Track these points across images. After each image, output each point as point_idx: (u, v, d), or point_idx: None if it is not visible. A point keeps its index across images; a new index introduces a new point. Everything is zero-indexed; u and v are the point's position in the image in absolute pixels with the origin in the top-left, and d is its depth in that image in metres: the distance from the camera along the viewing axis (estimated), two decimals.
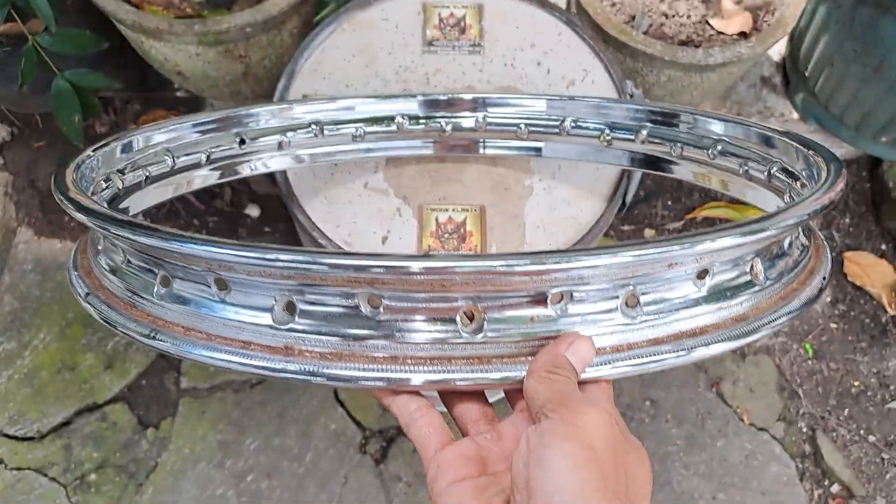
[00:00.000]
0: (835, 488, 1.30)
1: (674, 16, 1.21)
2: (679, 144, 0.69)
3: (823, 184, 0.48)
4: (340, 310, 0.41)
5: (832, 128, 1.38)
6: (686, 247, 0.39)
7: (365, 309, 0.40)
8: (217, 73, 1.16)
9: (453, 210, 0.82)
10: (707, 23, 1.21)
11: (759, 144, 0.63)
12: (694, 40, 1.19)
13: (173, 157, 0.68)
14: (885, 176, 1.48)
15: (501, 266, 0.37)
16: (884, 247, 1.51)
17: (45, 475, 1.21)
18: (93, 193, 0.59)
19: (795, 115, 1.44)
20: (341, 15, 0.90)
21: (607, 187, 0.83)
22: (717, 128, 0.66)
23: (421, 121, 0.80)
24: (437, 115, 0.80)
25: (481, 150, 0.83)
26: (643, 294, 0.42)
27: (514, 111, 0.78)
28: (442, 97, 0.78)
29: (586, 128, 0.75)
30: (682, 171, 0.70)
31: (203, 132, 0.70)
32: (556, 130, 0.77)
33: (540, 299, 0.40)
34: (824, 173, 0.51)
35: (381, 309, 0.40)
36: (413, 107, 0.78)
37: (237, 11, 1.12)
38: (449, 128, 0.80)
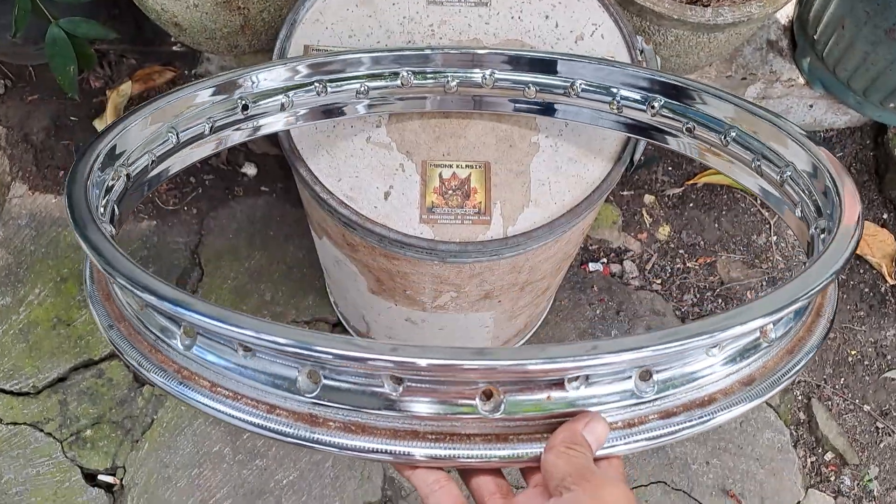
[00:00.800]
0: (828, 456, 1.31)
1: None
2: (691, 122, 0.68)
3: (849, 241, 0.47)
4: (362, 386, 0.41)
5: (838, 93, 1.36)
6: (708, 336, 0.39)
7: (387, 387, 0.41)
8: (215, 24, 1.13)
9: (457, 166, 0.81)
10: None
11: (775, 143, 0.62)
12: (703, 1, 1.16)
13: (177, 134, 0.66)
14: (891, 144, 1.47)
15: (509, 365, 0.37)
16: (885, 216, 1.50)
17: (41, 430, 1.20)
18: (106, 193, 0.57)
19: (801, 80, 1.42)
20: None
21: (615, 146, 0.81)
22: (732, 113, 0.64)
23: (428, 76, 0.78)
24: (444, 70, 0.78)
25: (486, 108, 0.81)
26: (657, 372, 0.42)
27: (523, 70, 0.77)
28: (452, 50, 0.76)
29: (596, 92, 0.74)
30: (689, 148, 0.69)
31: (204, 101, 0.68)
32: (564, 92, 0.76)
33: (557, 382, 0.41)
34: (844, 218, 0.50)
35: (402, 389, 0.41)
36: (420, 61, 0.76)
37: None
38: (455, 83, 0.78)
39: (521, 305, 1.05)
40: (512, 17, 0.87)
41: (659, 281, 1.41)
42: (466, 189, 0.80)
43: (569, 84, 0.76)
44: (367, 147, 0.81)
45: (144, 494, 1.17)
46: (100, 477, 1.19)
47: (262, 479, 1.19)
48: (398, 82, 0.78)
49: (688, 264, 1.43)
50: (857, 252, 1.46)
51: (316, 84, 0.74)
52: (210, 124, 0.69)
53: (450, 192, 0.80)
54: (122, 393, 1.24)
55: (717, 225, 1.47)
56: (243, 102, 0.71)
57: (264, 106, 0.73)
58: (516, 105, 0.80)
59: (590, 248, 1.44)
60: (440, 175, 0.81)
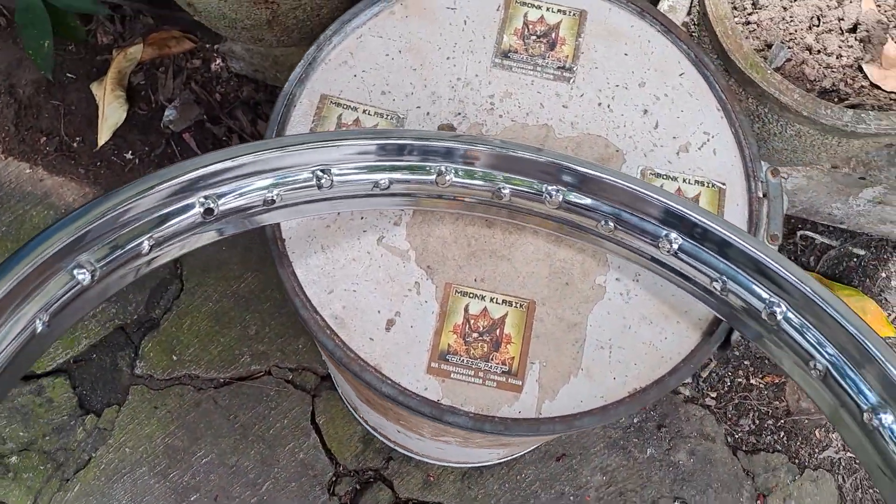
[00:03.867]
0: None
1: (820, 52, 0.94)
2: (823, 363, 0.46)
3: None
4: None
5: None
6: None
7: None
8: (236, 15, 0.91)
9: (492, 299, 0.60)
10: (861, 69, 0.94)
11: None
12: (840, 90, 0.92)
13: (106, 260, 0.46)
14: None
15: None
16: None
17: None
18: None
19: None
20: None
21: (708, 311, 0.60)
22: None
23: (475, 176, 0.57)
24: (499, 173, 0.56)
25: (544, 226, 0.60)
26: None
27: (603, 199, 0.55)
28: (511, 151, 0.55)
29: (700, 260, 0.52)
30: (815, 391, 0.48)
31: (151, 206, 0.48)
32: (655, 243, 0.54)
33: None
34: None
35: None
36: (455, 157, 0.55)
37: None
38: (507, 192, 0.57)
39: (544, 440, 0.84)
40: (599, 104, 0.65)
41: (714, 394, 1.19)
42: (498, 335, 0.59)
43: (662, 234, 0.54)
44: (376, 251, 0.60)
45: None
46: None
47: None
48: (432, 177, 0.57)
49: (752, 380, 1.20)
50: None
51: (318, 174, 0.53)
52: (150, 242, 0.49)
53: (475, 335, 0.59)
54: (60, 419, 1.06)
55: None
56: (208, 205, 0.50)
57: (235, 203, 0.52)
58: (591, 234, 0.59)
59: None
60: (466, 308, 0.59)
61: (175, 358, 1.11)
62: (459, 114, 0.64)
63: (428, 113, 0.64)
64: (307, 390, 1.12)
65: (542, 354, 0.59)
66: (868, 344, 0.45)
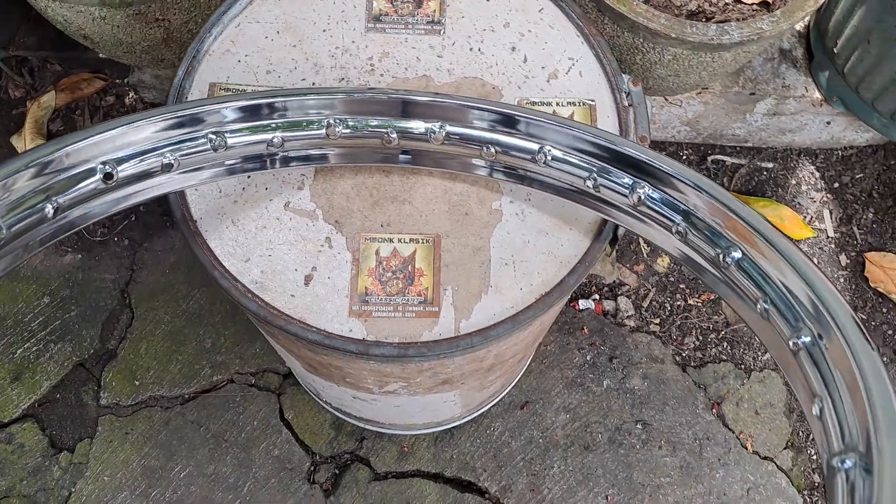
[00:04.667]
0: None
1: None
2: (682, 225, 0.51)
3: None
4: None
5: (861, 113, 1.19)
6: None
7: None
8: (130, 38, 0.95)
9: (399, 240, 0.64)
10: None
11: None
12: (706, 11, 0.99)
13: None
14: None
15: None
16: None
17: None
18: None
19: (817, 95, 1.25)
20: None
21: (595, 217, 0.65)
22: (734, 231, 0.48)
23: (361, 126, 0.61)
24: (382, 119, 0.61)
25: (437, 165, 0.64)
26: None
27: (480, 127, 0.60)
28: (391, 95, 0.59)
29: (570, 163, 0.57)
30: (680, 252, 0.53)
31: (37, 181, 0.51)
32: (531, 159, 0.59)
33: None
34: None
35: None
36: (350, 107, 0.60)
37: None
38: (395, 136, 0.62)
39: (490, 380, 0.89)
40: (471, 49, 0.70)
41: (657, 320, 1.25)
42: (410, 270, 0.64)
43: (537, 149, 0.60)
44: (284, 216, 0.64)
45: None
46: None
47: None
48: (322, 132, 0.61)
49: (689, 301, 1.27)
50: (880, 289, 1.30)
51: (211, 136, 0.57)
52: (54, 206, 0.52)
53: (389, 274, 0.64)
54: (34, 461, 1.08)
55: None
56: (106, 170, 0.54)
57: (134, 169, 0.56)
58: (477, 166, 0.64)
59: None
60: (377, 252, 0.64)
61: (137, 383, 1.14)
62: (343, 79, 0.69)
63: (313, 83, 0.68)
64: (272, 390, 1.15)
65: (453, 280, 0.63)
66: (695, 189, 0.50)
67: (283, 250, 0.63)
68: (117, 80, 1.28)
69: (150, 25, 0.92)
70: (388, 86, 0.69)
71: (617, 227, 0.64)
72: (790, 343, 0.46)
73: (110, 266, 1.22)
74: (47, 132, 1.25)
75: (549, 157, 0.59)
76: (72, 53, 1.28)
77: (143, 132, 0.55)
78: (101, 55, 1.27)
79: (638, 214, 0.57)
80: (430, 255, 0.64)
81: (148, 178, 0.57)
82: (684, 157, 1.37)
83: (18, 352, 1.14)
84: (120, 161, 0.54)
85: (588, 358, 1.21)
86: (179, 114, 0.54)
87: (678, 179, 0.53)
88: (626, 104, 0.68)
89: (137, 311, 1.19)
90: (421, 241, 0.64)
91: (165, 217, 1.26)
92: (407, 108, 0.60)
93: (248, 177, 0.65)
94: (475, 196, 0.66)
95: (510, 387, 1.18)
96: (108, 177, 0.54)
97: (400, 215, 0.65)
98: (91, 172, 0.53)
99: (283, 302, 0.62)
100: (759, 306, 0.49)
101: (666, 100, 1.25)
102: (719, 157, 1.37)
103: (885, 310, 1.27)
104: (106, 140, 0.52)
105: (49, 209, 0.51)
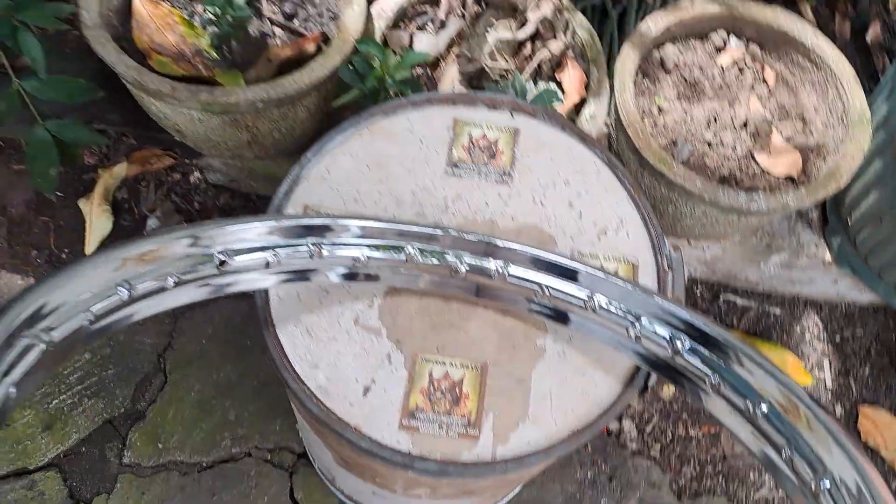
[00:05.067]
0: None
1: (717, 146, 1.12)
2: (717, 377, 0.59)
3: None
4: None
5: (868, 279, 1.28)
6: None
7: None
8: (220, 138, 1.06)
9: (451, 364, 0.72)
10: (753, 158, 1.11)
11: (817, 442, 0.54)
12: (737, 176, 1.09)
13: (130, 288, 0.57)
14: None
15: None
16: None
17: None
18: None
19: (828, 257, 1.34)
20: (363, 119, 0.81)
21: (628, 364, 0.73)
22: (771, 387, 0.55)
23: (436, 255, 0.70)
24: (454, 253, 0.70)
25: (493, 297, 0.73)
26: None
27: (539, 270, 0.69)
28: (466, 236, 0.69)
29: (614, 313, 0.66)
30: (714, 407, 0.61)
31: (175, 253, 0.60)
32: (581, 304, 0.67)
33: None
34: None
35: None
36: (428, 240, 0.69)
37: (253, 75, 1.03)
38: (465, 270, 0.70)
39: (505, 492, 0.95)
40: (534, 201, 0.79)
41: (658, 446, 1.31)
42: (457, 393, 0.71)
43: (587, 297, 0.68)
44: (353, 330, 0.72)
45: None
46: None
47: None
48: (402, 257, 0.70)
49: (690, 431, 1.33)
50: (869, 442, 1.37)
51: (310, 245, 0.66)
52: (175, 279, 0.60)
53: (438, 394, 0.71)
54: None
55: None
56: (222, 258, 0.62)
57: (244, 262, 0.64)
58: (530, 305, 0.72)
59: None
60: (430, 373, 0.71)
61: (160, 445, 1.19)
62: (419, 214, 0.78)
63: (394, 215, 0.77)
64: (285, 468, 1.20)
65: (495, 407, 0.70)
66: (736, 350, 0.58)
67: (348, 361, 0.71)
68: (186, 160, 1.38)
69: (239, 130, 1.03)
70: (458, 225, 0.77)
71: (648, 375, 0.71)
72: None
73: (151, 331, 1.29)
74: (112, 199, 1.35)
75: (597, 306, 0.68)
76: (146, 131, 1.38)
77: (257, 230, 0.64)
78: (175, 137, 1.38)
79: (675, 365, 0.65)
80: (477, 381, 0.72)
81: (249, 272, 0.66)
82: (698, 293, 1.46)
83: (53, 402, 1.20)
84: (236, 252, 0.63)
85: (589, 475, 1.27)
86: (304, 222, 0.64)
87: (717, 339, 0.61)
88: (666, 267, 0.77)
89: (171, 377, 1.25)
90: (470, 367, 0.72)
91: None
92: (486, 249, 0.69)
93: (327, 292, 0.73)
94: (522, 331, 0.74)
95: (512, 495, 1.23)
96: (222, 264, 0.62)
97: (454, 341, 0.73)
98: (210, 258, 0.62)
99: (343, 409, 0.69)
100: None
101: (689, 242, 1.34)
102: (731, 297, 1.45)
103: (874, 462, 1.33)
104: (232, 231, 0.61)
105: (171, 282, 0.59)
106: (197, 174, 1.38)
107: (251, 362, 1.28)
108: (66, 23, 0.93)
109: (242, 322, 1.32)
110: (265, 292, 0.72)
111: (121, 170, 1.34)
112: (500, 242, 0.69)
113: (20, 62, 0.95)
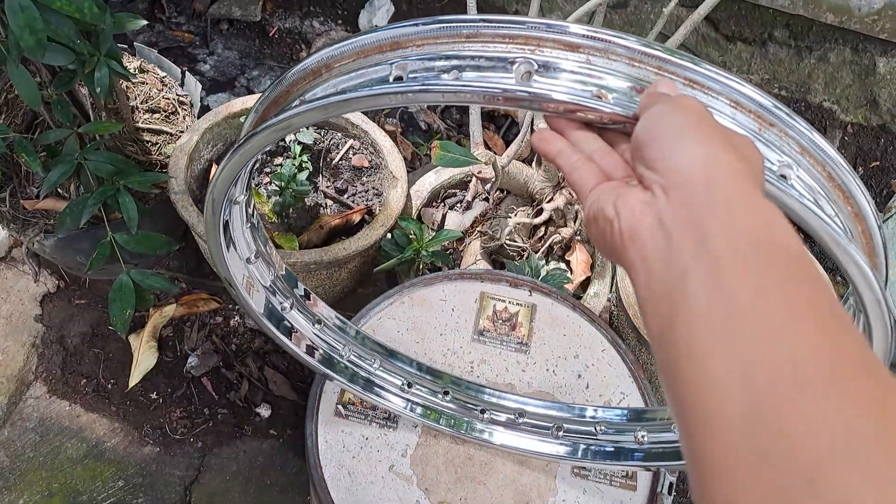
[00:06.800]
0: None
1: None
2: None
3: None
4: None
5: None
6: None
7: None
8: None
9: None
10: None
11: None
12: None
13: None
14: None
15: None
16: None
17: None
18: None
19: None
20: (404, 289, 0.95)
21: None
22: None
23: (469, 398, 0.83)
24: (483, 405, 0.83)
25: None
26: None
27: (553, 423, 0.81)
28: (493, 396, 0.82)
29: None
30: None
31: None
32: (595, 437, 0.79)
33: None
34: None
35: None
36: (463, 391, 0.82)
37: (305, 238, 1.19)
38: (487, 416, 0.82)
39: None
40: (547, 370, 0.92)
41: None
42: None
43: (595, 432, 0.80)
44: (388, 476, 0.83)
45: None
46: None
47: None
48: (438, 399, 0.82)
49: None
50: None
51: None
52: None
53: None
54: None
55: None
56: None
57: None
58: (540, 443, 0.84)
59: None
60: None
61: None
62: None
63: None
64: None
65: None
66: None
67: None
68: (229, 306, 1.53)
69: None
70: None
71: None
72: None
73: (181, 463, 1.37)
74: (159, 336, 1.48)
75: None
76: (198, 279, 1.54)
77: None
78: (222, 285, 1.53)
79: None
80: None
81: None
82: None
83: None
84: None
85: None
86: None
87: None
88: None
89: None
90: None
91: (237, 428, 1.44)
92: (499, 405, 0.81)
93: (366, 439, 0.84)
94: (536, 490, 0.84)
95: None
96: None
97: (475, 494, 0.83)
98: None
99: None
100: None
101: None
102: None
103: None
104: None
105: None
106: (237, 318, 1.51)
107: (269, 499, 1.35)
108: (156, 187, 1.10)
109: (264, 462, 1.40)
110: (315, 437, 0.84)
111: (170, 310, 1.48)
112: (527, 406, 0.81)
113: (113, 216, 1.11)
